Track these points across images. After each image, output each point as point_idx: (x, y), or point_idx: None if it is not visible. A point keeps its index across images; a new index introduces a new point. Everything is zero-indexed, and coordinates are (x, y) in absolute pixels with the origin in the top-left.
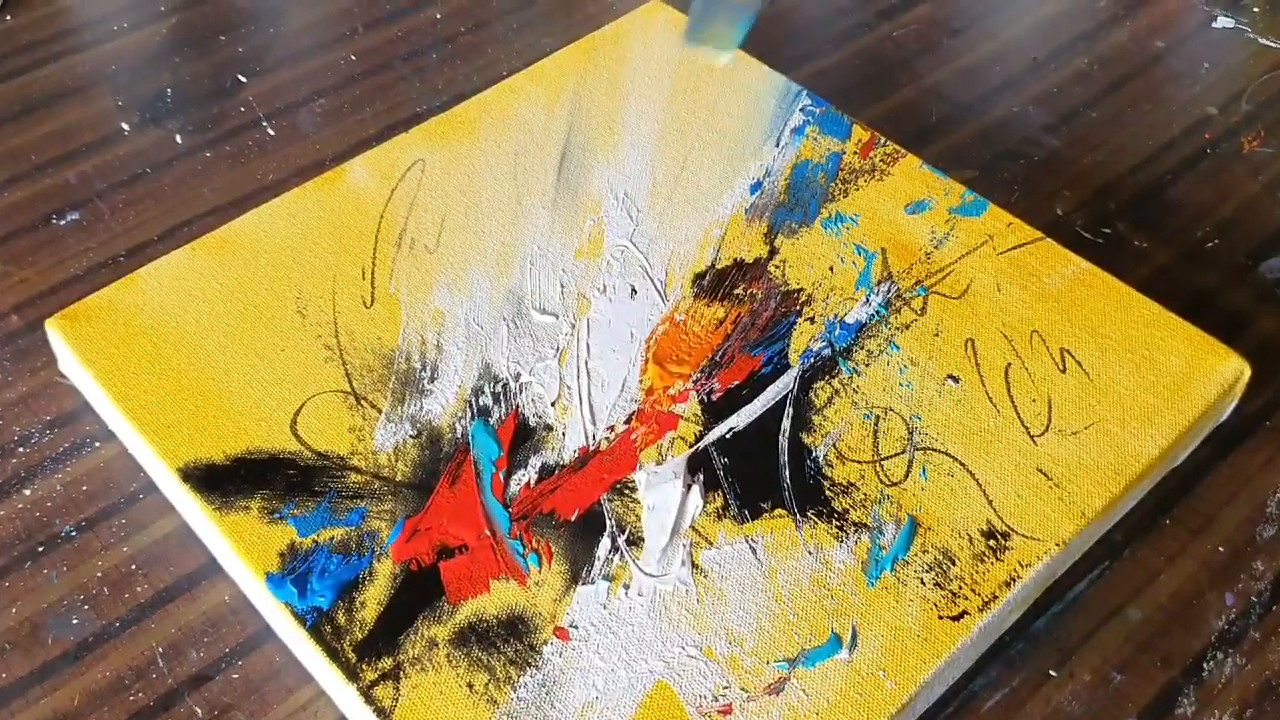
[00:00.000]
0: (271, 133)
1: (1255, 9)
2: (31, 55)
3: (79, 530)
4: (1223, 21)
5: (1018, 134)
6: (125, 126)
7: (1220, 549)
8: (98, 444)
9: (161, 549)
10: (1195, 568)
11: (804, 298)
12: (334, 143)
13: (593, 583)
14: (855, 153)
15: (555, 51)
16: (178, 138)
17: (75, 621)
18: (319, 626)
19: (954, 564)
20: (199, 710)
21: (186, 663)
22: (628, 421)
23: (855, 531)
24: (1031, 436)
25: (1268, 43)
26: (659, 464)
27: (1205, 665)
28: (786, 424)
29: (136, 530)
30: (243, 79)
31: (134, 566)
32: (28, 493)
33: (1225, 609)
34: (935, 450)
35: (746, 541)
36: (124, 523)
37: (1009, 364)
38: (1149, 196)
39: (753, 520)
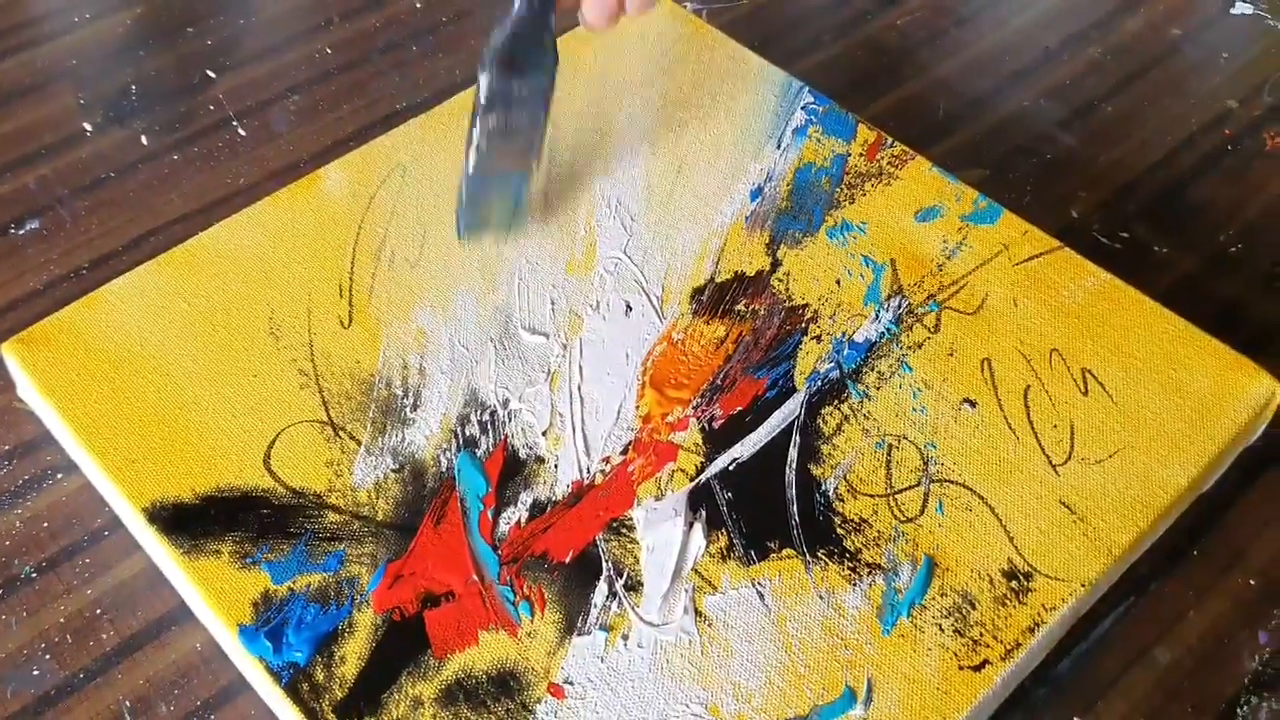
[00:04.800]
0: (242, 132)
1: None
2: None
3: (40, 571)
4: (1241, 7)
5: (1030, 130)
6: (87, 127)
7: (1252, 582)
8: (59, 475)
9: (128, 591)
10: (1226, 604)
11: (809, 314)
12: (309, 143)
13: (589, 633)
14: (861, 155)
15: None
16: (143, 138)
17: (36, 672)
18: (296, 684)
19: (974, 608)
20: None
21: (156, 717)
22: (624, 452)
23: (869, 573)
24: (1053, 466)
25: None
26: (658, 499)
27: (1240, 711)
28: (794, 454)
29: (101, 571)
30: (211, 74)
31: (99, 611)
32: None
33: (1259, 648)
34: (952, 482)
35: (753, 585)
36: (88, 562)
37: (1028, 386)
38: (1168, 197)
39: (759, 562)
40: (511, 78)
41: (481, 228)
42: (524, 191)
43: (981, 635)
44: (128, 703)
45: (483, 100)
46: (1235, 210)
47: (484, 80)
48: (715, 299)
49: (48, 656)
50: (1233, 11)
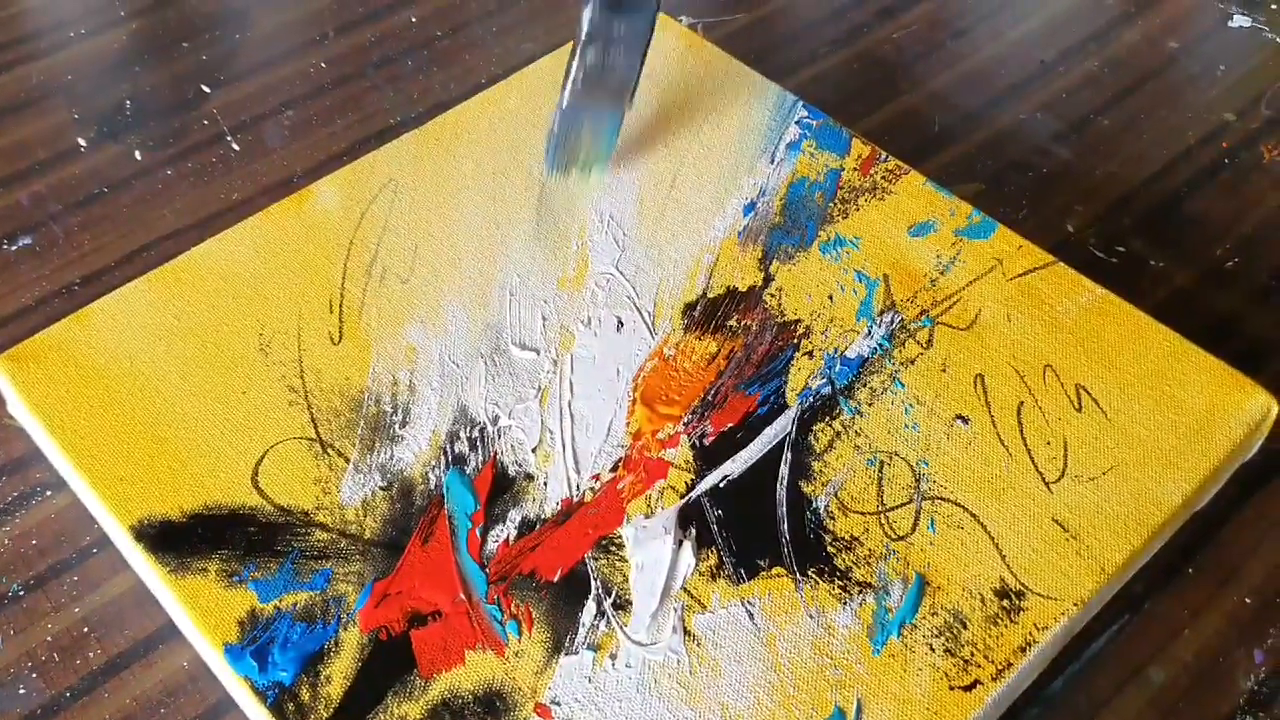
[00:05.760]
0: (236, 148)
1: (1273, 6)
2: None
3: (28, 589)
4: (1239, 20)
5: (1025, 143)
6: (81, 142)
7: (1248, 600)
8: (49, 493)
9: (116, 610)
10: (1221, 622)
11: (801, 330)
12: (302, 158)
13: (577, 653)
14: (855, 169)
15: (536, 58)
16: (137, 154)
17: (22, 691)
18: (281, 704)
19: (965, 627)
20: None
21: None
22: (614, 469)
23: (860, 592)
24: (1046, 483)
25: None
26: (648, 517)
27: None
28: (785, 471)
29: (90, 589)
30: (206, 89)
31: (86, 629)
32: None
33: (1254, 667)
34: (944, 500)
35: (743, 605)
36: (76, 580)
37: (1021, 402)
38: (1165, 211)
39: (749, 580)
40: (613, 15)
41: (569, 163)
42: (614, 131)
43: (973, 655)
44: None
45: (583, 35)
46: (1232, 224)
47: (586, 14)
48: (707, 314)
49: (34, 675)
50: (1230, 24)
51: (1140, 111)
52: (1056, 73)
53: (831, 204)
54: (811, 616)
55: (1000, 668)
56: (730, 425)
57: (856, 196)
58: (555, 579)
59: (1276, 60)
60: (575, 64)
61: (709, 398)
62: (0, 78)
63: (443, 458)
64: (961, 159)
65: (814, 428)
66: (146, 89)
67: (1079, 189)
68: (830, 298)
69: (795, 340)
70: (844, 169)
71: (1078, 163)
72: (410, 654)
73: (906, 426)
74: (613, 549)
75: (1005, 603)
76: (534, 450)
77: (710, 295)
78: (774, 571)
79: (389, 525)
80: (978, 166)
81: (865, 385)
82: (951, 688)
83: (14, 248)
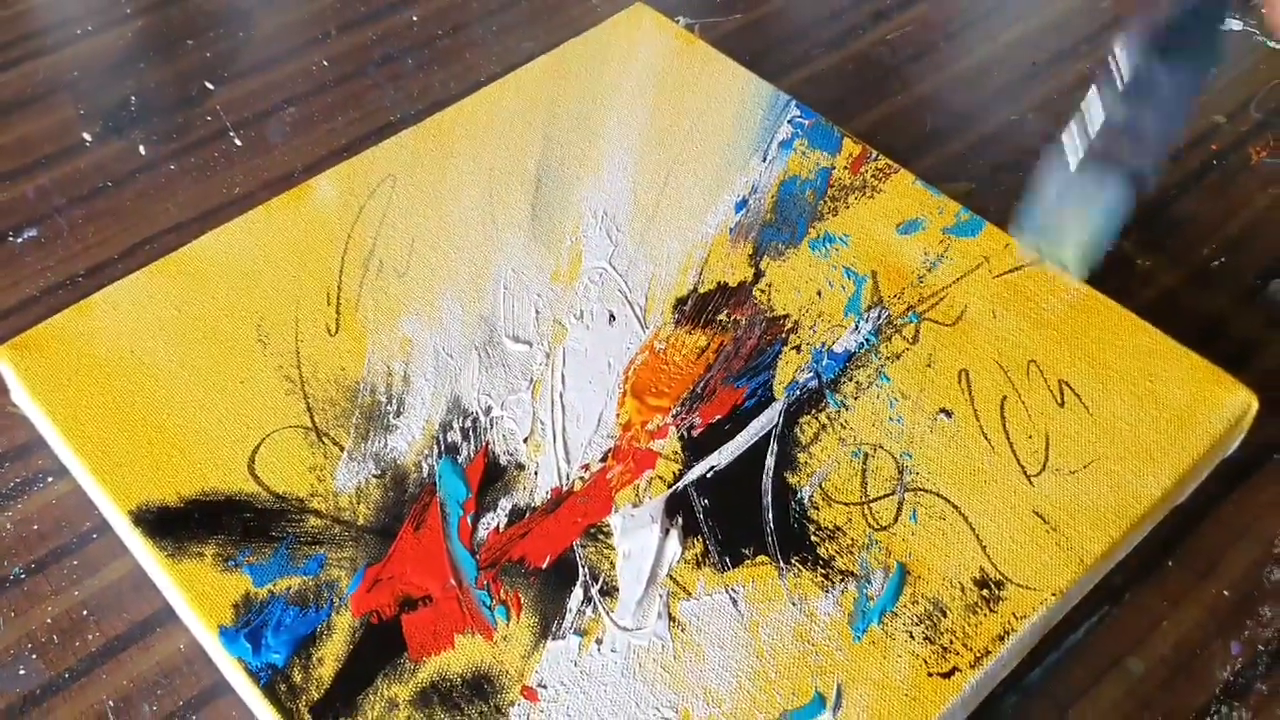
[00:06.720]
0: (239, 143)
1: (1263, 10)
2: None
3: (29, 573)
4: (1230, 24)
5: (1017, 143)
6: (87, 137)
7: (1226, 593)
8: (50, 479)
9: (115, 593)
10: (1200, 614)
11: (790, 325)
12: (303, 154)
13: (564, 637)
14: (845, 168)
15: (536, 57)
16: (141, 149)
17: (22, 672)
18: (274, 685)
19: (945, 616)
20: None
21: (138, 717)
22: (603, 459)
23: (841, 580)
24: (1028, 476)
25: (1276, 46)
26: (636, 506)
27: None
28: (770, 462)
29: (89, 573)
30: (210, 86)
31: (85, 612)
32: None
33: (1230, 659)
34: (926, 491)
35: (727, 591)
36: (76, 565)
37: (1004, 397)
38: (1153, 211)
39: (734, 568)
40: (1160, 62)
41: (1058, 239)
42: (1119, 211)
43: (951, 642)
44: (111, 703)
45: (1121, 81)
46: (1219, 224)
47: (1124, 56)
48: (698, 309)
49: (34, 656)
50: (1220, 28)
51: None
52: (1048, 74)
53: (822, 202)
54: (794, 604)
55: (979, 655)
56: (718, 417)
57: (847, 194)
58: (544, 566)
59: (1266, 63)
60: (1096, 117)
61: (698, 390)
62: (8, 74)
63: (436, 447)
64: (952, 159)
65: (800, 420)
66: (151, 85)
67: None
68: (819, 293)
69: (783, 335)
70: (835, 167)
71: None
72: (401, 637)
73: (891, 420)
74: (601, 537)
75: (985, 592)
76: (525, 440)
77: (701, 290)
78: (758, 560)
79: (382, 512)
80: (968, 166)
81: (851, 379)
82: (930, 674)
83: (20, 240)
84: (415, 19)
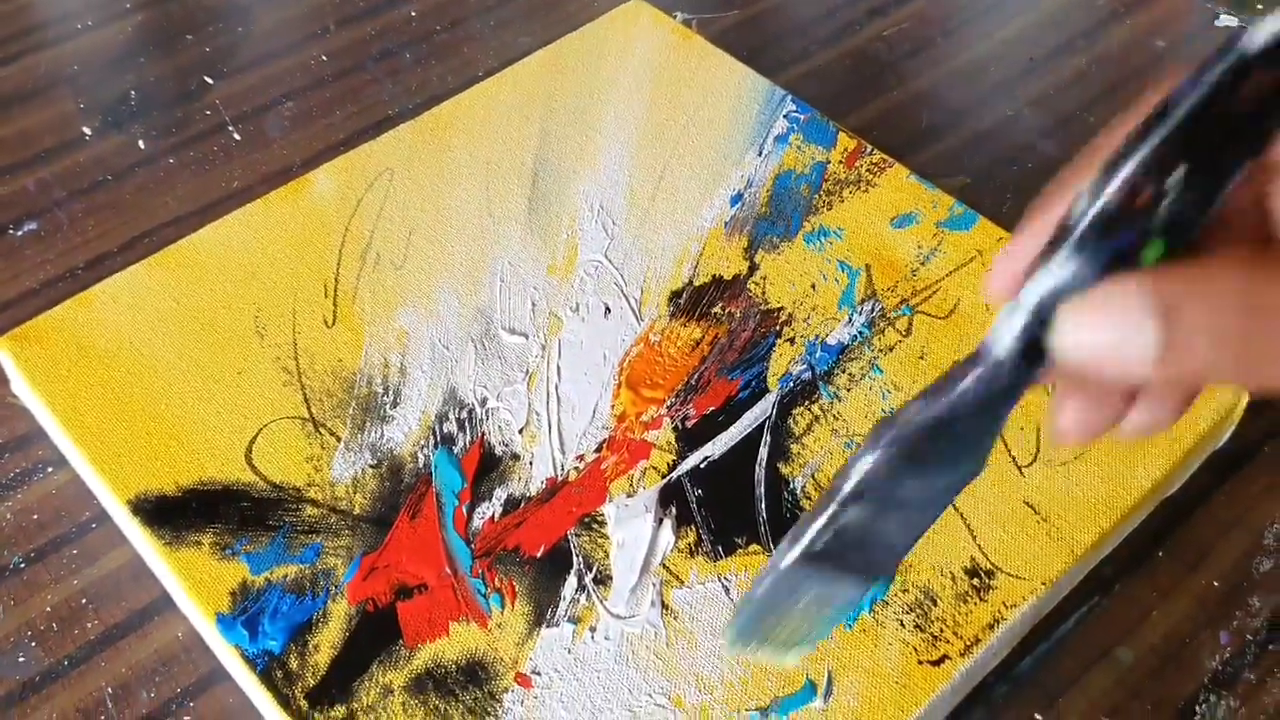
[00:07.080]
0: (237, 137)
1: (1259, 6)
2: None
3: (28, 561)
4: (1225, 20)
5: (1013, 139)
6: (86, 131)
7: (1215, 584)
8: (50, 469)
9: (113, 582)
10: (1189, 604)
11: (784, 317)
12: (302, 148)
13: (557, 625)
14: (840, 162)
15: (532, 52)
16: (140, 143)
17: (22, 660)
18: (270, 671)
19: (935, 604)
20: None
21: (137, 704)
22: (598, 450)
23: None
24: (1019, 467)
25: None
26: (630, 496)
27: (1198, 709)
28: (764, 453)
29: (88, 562)
30: (209, 80)
31: (84, 601)
32: None
33: (1219, 648)
34: None
35: (719, 580)
36: (75, 554)
37: None
38: None
39: (726, 557)
40: (908, 473)
41: (765, 638)
42: (844, 613)
43: (942, 631)
44: (110, 689)
45: (847, 487)
46: None
47: (863, 464)
48: (692, 302)
49: (33, 644)
50: (1217, 24)
51: (1126, 108)
52: (1044, 70)
53: (817, 195)
54: None
55: (969, 644)
56: (712, 408)
57: (841, 188)
58: (538, 554)
59: None
60: (821, 519)
61: (692, 382)
62: (8, 68)
63: (432, 437)
64: (948, 154)
65: (793, 412)
66: (150, 80)
67: None
68: (813, 286)
69: (777, 327)
70: (830, 162)
71: (1063, 158)
72: (396, 625)
73: (883, 411)
74: (595, 526)
75: (975, 581)
76: (521, 431)
77: (696, 283)
78: (751, 549)
79: (378, 502)
80: (964, 161)
81: (844, 371)
82: (920, 662)
83: (20, 232)
84: (413, 14)
